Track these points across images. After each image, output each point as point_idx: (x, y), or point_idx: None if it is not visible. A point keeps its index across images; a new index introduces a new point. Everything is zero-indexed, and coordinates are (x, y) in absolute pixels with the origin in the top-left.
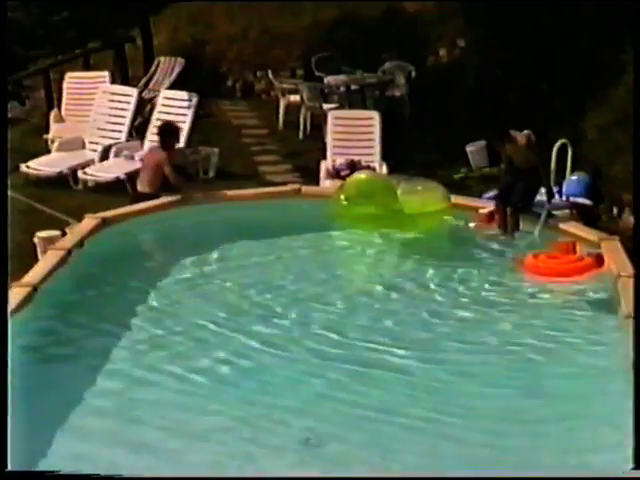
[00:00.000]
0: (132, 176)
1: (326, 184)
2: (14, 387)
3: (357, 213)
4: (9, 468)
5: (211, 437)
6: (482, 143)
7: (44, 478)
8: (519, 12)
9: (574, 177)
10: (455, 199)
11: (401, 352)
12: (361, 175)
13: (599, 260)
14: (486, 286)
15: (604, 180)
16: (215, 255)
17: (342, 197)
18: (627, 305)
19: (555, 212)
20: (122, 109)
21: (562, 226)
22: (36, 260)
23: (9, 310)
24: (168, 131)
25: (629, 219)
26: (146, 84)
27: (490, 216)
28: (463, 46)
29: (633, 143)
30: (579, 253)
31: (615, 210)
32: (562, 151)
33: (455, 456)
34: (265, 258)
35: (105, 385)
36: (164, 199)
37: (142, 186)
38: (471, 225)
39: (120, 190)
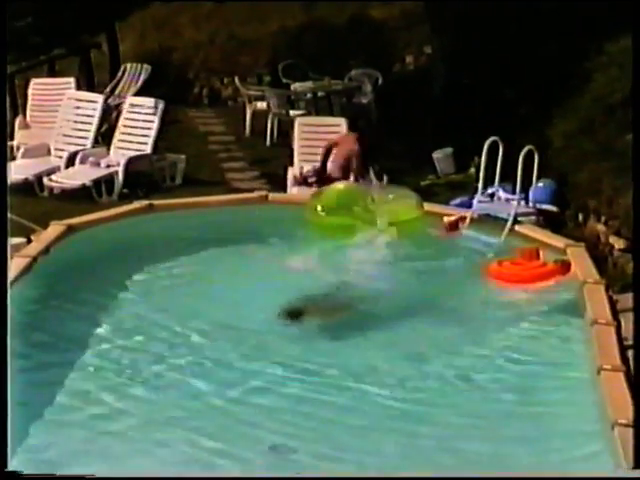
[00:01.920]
0: (98, 182)
1: (293, 191)
2: None
3: (330, 222)
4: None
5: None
6: (449, 150)
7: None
8: (485, 20)
9: (540, 184)
10: (426, 207)
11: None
12: (340, 185)
13: (564, 266)
14: (449, 294)
15: (570, 187)
16: (178, 264)
17: (319, 207)
18: (592, 312)
19: (521, 219)
20: (88, 115)
21: (528, 232)
22: None
23: None
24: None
25: (594, 226)
26: (112, 90)
27: (454, 224)
28: (430, 53)
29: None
30: (542, 259)
31: (581, 217)
32: (528, 158)
33: None
34: (229, 267)
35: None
36: (131, 206)
37: (332, 171)
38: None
39: (86, 197)
